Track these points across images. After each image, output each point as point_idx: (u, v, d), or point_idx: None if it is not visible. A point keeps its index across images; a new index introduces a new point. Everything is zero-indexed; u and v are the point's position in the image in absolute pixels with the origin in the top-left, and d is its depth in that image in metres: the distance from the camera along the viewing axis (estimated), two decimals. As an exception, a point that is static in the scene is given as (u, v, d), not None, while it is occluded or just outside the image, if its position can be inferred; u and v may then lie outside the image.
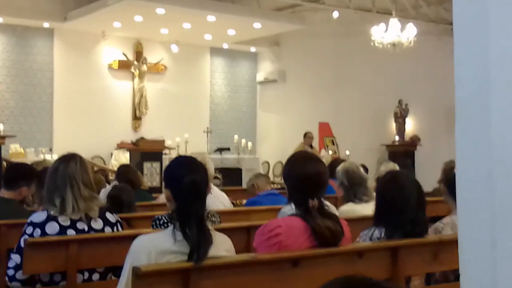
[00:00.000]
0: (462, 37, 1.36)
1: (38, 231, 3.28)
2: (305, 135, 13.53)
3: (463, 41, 1.36)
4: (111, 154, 14.79)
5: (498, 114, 1.27)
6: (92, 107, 15.18)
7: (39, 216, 3.33)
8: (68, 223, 3.33)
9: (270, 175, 15.34)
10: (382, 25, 12.45)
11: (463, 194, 1.36)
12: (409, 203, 3.21)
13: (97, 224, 3.42)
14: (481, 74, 1.30)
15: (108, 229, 3.45)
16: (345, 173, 4.91)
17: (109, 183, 7.70)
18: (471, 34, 1.32)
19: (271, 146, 17.00)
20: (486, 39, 1.29)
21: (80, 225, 3.36)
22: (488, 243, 1.29)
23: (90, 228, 3.39)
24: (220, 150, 15.16)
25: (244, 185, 12.37)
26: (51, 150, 14.32)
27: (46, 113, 14.87)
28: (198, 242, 2.55)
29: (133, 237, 2.72)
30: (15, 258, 3.27)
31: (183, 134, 14.87)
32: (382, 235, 3.24)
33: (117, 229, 3.52)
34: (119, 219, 3.59)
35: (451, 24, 1.38)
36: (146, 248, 2.57)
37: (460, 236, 1.37)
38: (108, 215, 3.50)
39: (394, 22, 12.46)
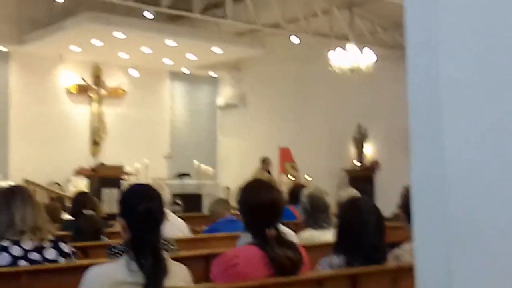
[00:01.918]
0: (414, 64, 1.38)
1: (-13, 263, 3.16)
2: (263, 160, 13.41)
3: (415, 68, 1.38)
4: (69, 180, 14.53)
5: (451, 141, 1.29)
6: (49, 132, 14.95)
7: (-11, 247, 3.21)
8: (20, 253, 3.22)
9: (231, 200, 15.27)
10: (339, 50, 12.60)
11: (419, 223, 1.36)
12: (368, 229, 3.19)
13: (51, 254, 3.31)
14: (433, 101, 1.32)
15: (62, 260, 3.35)
16: (309, 199, 4.90)
17: (65, 211, 7.55)
18: (422, 61, 1.35)
19: (232, 171, 16.95)
20: (436, 66, 1.31)
21: (33, 256, 3.25)
22: (444, 271, 1.29)
23: (44, 259, 3.28)
24: (181, 175, 15.05)
25: (204, 211, 12.29)
26: (5, 176, 13.99)
27: (1, 138, 14.55)
28: (154, 273, 2.48)
29: (87, 268, 2.64)
30: (-37, 291, 3.15)
31: (143, 160, 14.73)
32: (342, 262, 3.21)
33: (72, 260, 3.41)
34: (74, 250, 3.49)
35: (406, 49, 1.41)
36: (99, 279, 2.49)
37: (417, 265, 1.36)
38: (62, 245, 3.40)
39: (351, 47, 12.64)
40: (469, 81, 1.26)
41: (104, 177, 12.45)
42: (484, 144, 1.24)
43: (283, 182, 13.76)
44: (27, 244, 3.24)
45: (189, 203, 12.57)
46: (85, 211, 5.37)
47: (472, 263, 1.24)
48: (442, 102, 1.29)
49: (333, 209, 5.18)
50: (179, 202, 11.11)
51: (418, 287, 1.35)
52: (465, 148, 1.26)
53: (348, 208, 3.40)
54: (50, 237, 3.36)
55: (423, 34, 1.33)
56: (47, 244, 3.31)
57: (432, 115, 1.31)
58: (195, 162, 15.92)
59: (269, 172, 13.15)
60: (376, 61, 12.59)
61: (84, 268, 2.73)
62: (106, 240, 4.79)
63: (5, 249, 3.20)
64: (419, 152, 1.36)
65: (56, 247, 3.35)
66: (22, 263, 3.22)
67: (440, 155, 1.29)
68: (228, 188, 16.60)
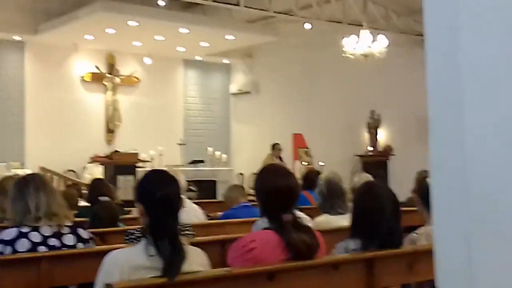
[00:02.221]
0: (433, 49, 1.36)
1: (8, 249, 3.22)
2: (274, 146, 13.28)
3: (434, 53, 1.36)
4: (84, 168, 14.63)
5: (471, 126, 1.28)
6: (64, 120, 15.04)
7: (9, 234, 3.27)
8: (39, 239, 3.27)
9: (245, 186, 15.31)
10: (353, 37, 12.55)
11: (439, 208, 1.36)
12: (385, 214, 3.20)
13: (69, 240, 3.36)
14: (453, 86, 1.30)
15: (80, 246, 3.40)
16: (327, 183, 4.91)
17: (82, 197, 7.62)
18: (442, 46, 1.33)
19: (245, 157, 16.98)
20: (457, 51, 1.29)
21: (52, 242, 3.30)
22: (464, 256, 1.29)
23: (62, 245, 3.33)
24: (195, 162, 15.11)
25: (219, 198, 12.34)
26: (23, 164, 14.12)
27: (17, 127, 14.67)
28: (172, 257, 2.51)
29: (106, 253, 2.68)
30: (-14, 277, 3.20)
31: (157, 147, 14.79)
32: (358, 246, 3.23)
33: (90, 246, 3.46)
34: (92, 235, 3.53)
35: (422, 35, 1.39)
36: (118, 264, 2.52)
37: (436, 250, 1.36)
38: (81, 231, 3.45)
39: (365, 33, 12.58)
40: (491, 65, 1.25)
41: (119, 164, 12.53)
42: (506, 130, 1.23)
43: (297, 168, 13.77)
44: (46, 230, 3.30)
45: (204, 190, 12.62)
46: (102, 198, 5.42)
47: (492, 247, 1.24)
48: (463, 87, 1.27)
49: (349, 194, 5.20)
50: (193, 188, 11.17)
51: (437, 272, 1.35)
52: (486, 133, 1.25)
53: (364, 193, 3.41)
54: (68, 223, 3.41)
55: (443, 17, 1.31)
56: (65, 230, 3.36)
57: (453, 101, 1.29)
58: (209, 148, 15.97)
59: (280, 158, 13.09)
60: (390, 46, 12.51)
61: (102, 253, 2.78)
62: (123, 226, 4.84)
63: (24, 235, 3.26)
64: (439, 138, 1.34)
65: (74, 232, 3.40)
66: (42, 249, 3.27)
67: (460, 141, 1.28)
68: (241, 174, 16.66)
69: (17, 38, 14.37)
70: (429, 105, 1.36)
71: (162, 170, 2.94)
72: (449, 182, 1.32)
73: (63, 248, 3.33)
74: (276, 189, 2.88)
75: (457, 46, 1.28)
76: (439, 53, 1.33)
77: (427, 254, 2.83)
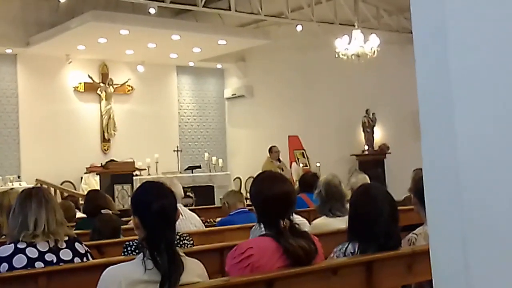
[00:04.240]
0: (422, 49, 1.36)
1: (5, 266, 3.20)
2: (271, 149, 13.10)
3: (423, 53, 1.36)
4: (81, 178, 14.61)
5: (462, 125, 1.28)
6: (59, 131, 15.00)
7: (5, 250, 3.25)
8: (36, 255, 3.25)
9: (243, 190, 15.30)
10: (346, 37, 12.57)
11: (432, 208, 1.36)
12: (382, 216, 3.20)
13: (66, 255, 3.35)
14: (443, 86, 1.30)
15: (77, 260, 3.38)
16: (325, 186, 4.90)
17: (79, 209, 7.60)
18: (431, 46, 1.33)
19: (242, 161, 16.97)
20: (446, 50, 1.29)
21: (49, 257, 3.28)
22: (460, 258, 1.29)
23: (59, 260, 3.32)
24: (191, 168, 15.09)
25: (217, 203, 12.32)
26: (19, 177, 14.08)
27: (12, 140, 14.63)
28: (169, 270, 2.50)
29: (103, 266, 2.66)
30: (-18, 294, 3.19)
31: (153, 154, 14.77)
32: (356, 249, 3.22)
33: (87, 260, 3.44)
34: (88, 249, 3.51)
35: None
36: (116, 280, 2.50)
37: (432, 252, 1.36)
38: (78, 245, 3.43)
39: (357, 33, 12.60)
40: (480, 68, 1.24)
41: (115, 173, 12.51)
42: (495, 132, 1.23)
43: (294, 170, 13.76)
44: (43, 245, 3.28)
45: (201, 195, 12.63)
46: (103, 211, 5.39)
47: (487, 248, 1.24)
48: (452, 90, 1.27)
49: (348, 196, 5.19)
50: (190, 194, 11.16)
51: (434, 276, 1.35)
52: (477, 136, 1.25)
53: (361, 196, 3.40)
54: (65, 237, 3.39)
55: (431, 20, 1.31)
56: (62, 244, 3.34)
57: (443, 104, 1.29)
58: (205, 154, 15.96)
59: (279, 161, 13.02)
60: (382, 45, 12.53)
61: (99, 267, 2.76)
62: (122, 238, 4.82)
63: (21, 251, 3.24)
64: (431, 141, 1.34)
65: (71, 247, 3.38)
66: (39, 264, 3.26)
67: (452, 144, 1.28)
68: (239, 179, 16.64)
69: (8, 51, 14.33)
70: (420, 108, 1.35)
71: (157, 182, 2.92)
72: (442, 185, 1.31)
73: (60, 263, 3.31)
74: (273, 196, 2.87)
75: (445, 47, 1.28)
76: (428, 56, 1.33)
77: (425, 254, 2.82)
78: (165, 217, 2.60)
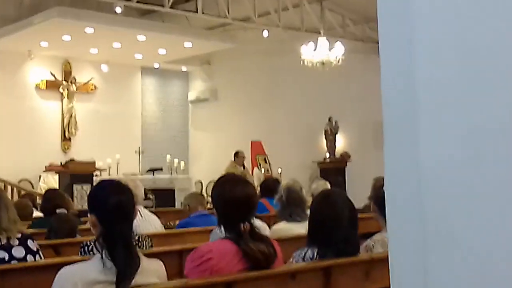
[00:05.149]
0: (388, 59, 1.37)
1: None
2: (237, 154, 13.08)
3: (389, 64, 1.36)
4: (40, 177, 14.36)
5: (426, 135, 1.28)
6: (19, 128, 14.73)
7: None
8: (-13, 252, 3.17)
9: (204, 194, 15.25)
10: (311, 44, 12.66)
11: (393, 216, 1.36)
12: (341, 222, 3.22)
13: (19, 252, 3.27)
14: (408, 97, 1.31)
15: (30, 258, 3.31)
16: (286, 191, 4.92)
17: (36, 208, 7.46)
18: (397, 57, 1.33)
19: (204, 165, 16.92)
20: (412, 62, 1.30)
21: (1, 254, 3.21)
22: (419, 264, 1.30)
23: (11, 257, 3.24)
24: (153, 170, 14.98)
25: (177, 206, 12.25)
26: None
27: (-31, 136, 14.32)
28: (125, 265, 2.46)
29: (59, 266, 2.61)
30: None
31: (115, 155, 14.62)
32: (315, 255, 3.23)
33: (40, 258, 3.37)
34: (38, 247, 3.43)
35: (378, 42, 1.39)
36: (71, 280, 2.46)
37: (390, 259, 1.37)
38: (30, 242, 3.36)
39: (322, 40, 12.70)
40: (446, 78, 1.25)
41: (75, 173, 12.33)
42: (460, 143, 1.24)
43: (256, 175, 13.78)
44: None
45: (162, 198, 12.52)
46: (59, 210, 5.31)
47: (447, 254, 1.25)
48: (418, 100, 1.28)
49: (309, 202, 5.21)
50: (151, 197, 11.06)
51: (392, 282, 1.36)
52: (441, 147, 1.26)
53: (321, 201, 3.41)
54: (18, 234, 3.32)
55: (398, 32, 1.32)
56: (14, 241, 3.27)
57: (407, 114, 1.30)
58: (167, 156, 15.86)
59: (243, 166, 13.01)
60: (346, 54, 12.66)
61: (55, 266, 2.72)
62: (79, 238, 4.76)
63: (-28, 248, 3.16)
64: (393, 150, 1.35)
65: (24, 244, 3.31)
66: (-10, 262, 3.18)
67: (415, 155, 1.28)
68: (200, 182, 16.58)
69: (-31, 45, 14.03)
70: (384, 117, 1.36)
71: (114, 180, 2.89)
72: (403, 196, 1.32)
73: (12, 261, 3.24)
74: (234, 199, 2.86)
75: (411, 58, 1.29)
76: (394, 70, 1.34)
77: (383, 261, 2.85)
78: (122, 212, 2.57)
